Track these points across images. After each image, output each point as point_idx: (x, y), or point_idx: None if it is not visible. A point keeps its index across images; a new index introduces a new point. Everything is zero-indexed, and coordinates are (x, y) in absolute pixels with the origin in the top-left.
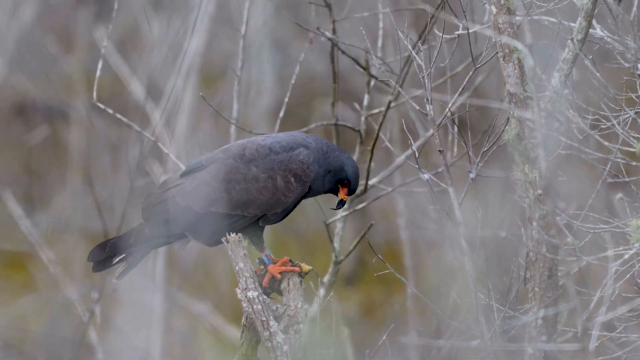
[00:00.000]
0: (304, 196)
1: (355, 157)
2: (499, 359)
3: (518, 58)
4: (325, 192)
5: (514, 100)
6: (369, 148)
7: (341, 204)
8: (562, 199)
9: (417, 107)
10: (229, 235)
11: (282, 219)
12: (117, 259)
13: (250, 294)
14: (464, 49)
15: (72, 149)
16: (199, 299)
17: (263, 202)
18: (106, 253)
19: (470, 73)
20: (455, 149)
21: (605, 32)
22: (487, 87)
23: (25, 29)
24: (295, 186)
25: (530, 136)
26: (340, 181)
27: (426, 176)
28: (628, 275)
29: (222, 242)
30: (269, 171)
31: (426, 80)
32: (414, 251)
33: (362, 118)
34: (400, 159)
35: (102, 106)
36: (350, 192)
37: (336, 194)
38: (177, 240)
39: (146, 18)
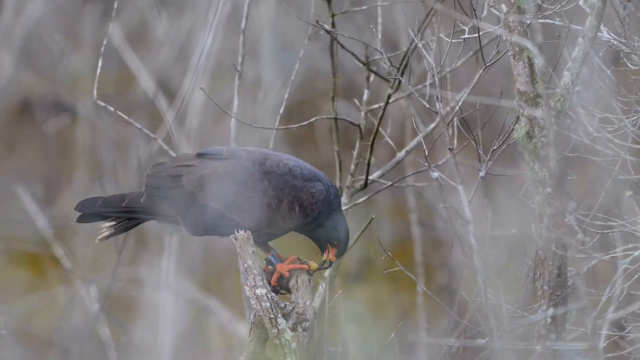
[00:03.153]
0: (298, 229)
1: (355, 152)
2: (508, 358)
3: (528, 57)
4: (312, 239)
5: (524, 99)
6: (369, 143)
7: (328, 264)
8: (572, 198)
9: (427, 105)
10: (238, 232)
11: (270, 240)
12: (107, 224)
13: (258, 291)
14: (466, 43)
15: (79, 146)
16: (206, 295)
17: (261, 218)
18: (96, 208)
19: (481, 71)
20: (456, 144)
21: (612, 34)
22: (487, 79)
23: (32, 27)
24: (297, 215)
25: (540, 135)
26: (330, 241)
27: (436, 174)
28: (638, 275)
29: (205, 235)
30: (278, 191)
31: (436, 79)
32: (421, 249)
33: (362, 113)
34: (400, 154)
35: (102, 104)
36: (339, 254)
37: (322, 250)
38: (167, 221)
39: (158, 13)
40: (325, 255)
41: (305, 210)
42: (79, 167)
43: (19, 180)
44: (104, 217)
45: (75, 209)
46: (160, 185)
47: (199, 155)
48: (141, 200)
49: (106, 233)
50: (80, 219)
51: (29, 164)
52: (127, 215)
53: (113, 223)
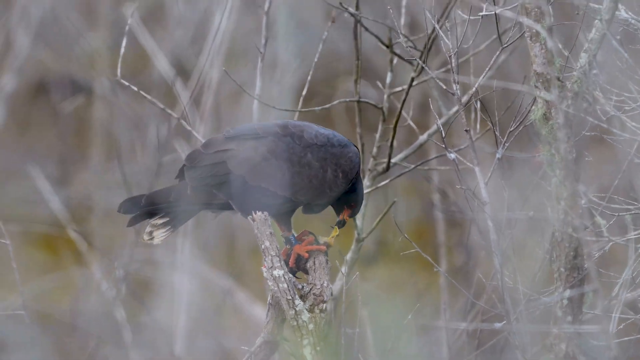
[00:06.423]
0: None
1: (377, 135)
2: (524, 340)
3: (545, 38)
4: (329, 205)
5: (540, 80)
6: (391, 126)
7: (341, 223)
8: (586, 181)
9: (444, 87)
10: (255, 213)
11: (321, 211)
12: (161, 222)
13: (276, 272)
14: (487, 28)
15: (95, 125)
16: (223, 276)
17: (311, 190)
18: (142, 207)
19: (498, 52)
20: (478, 127)
21: (630, 13)
22: (510, 66)
23: (49, 6)
24: (342, 182)
25: (556, 116)
26: (348, 203)
27: (453, 155)
28: None
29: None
30: (322, 161)
31: (452, 60)
32: (439, 230)
33: (385, 96)
34: (423, 137)
35: (126, 83)
36: (353, 214)
37: (338, 212)
38: (219, 208)
39: None
40: (341, 217)
41: (347, 176)
42: (94, 147)
43: (34, 160)
44: (151, 215)
45: (118, 211)
46: (205, 175)
47: (230, 138)
48: (189, 192)
49: (164, 234)
50: (131, 222)
51: (44, 143)
52: (175, 210)
53: (166, 219)
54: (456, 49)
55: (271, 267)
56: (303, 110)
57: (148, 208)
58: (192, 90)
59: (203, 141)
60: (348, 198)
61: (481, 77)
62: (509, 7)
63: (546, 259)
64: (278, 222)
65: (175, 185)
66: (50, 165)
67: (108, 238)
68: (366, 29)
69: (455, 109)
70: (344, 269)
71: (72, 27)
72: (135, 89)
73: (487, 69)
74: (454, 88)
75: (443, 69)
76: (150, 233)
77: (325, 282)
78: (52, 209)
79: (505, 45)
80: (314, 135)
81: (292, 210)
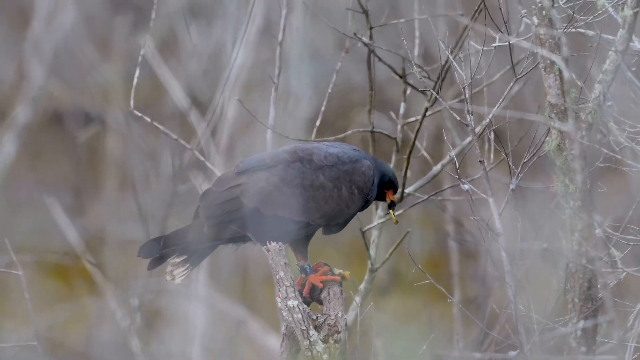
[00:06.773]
0: (361, 208)
1: (391, 166)
2: None
3: (559, 69)
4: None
5: (554, 111)
6: (405, 156)
7: (392, 206)
8: (600, 212)
9: (458, 118)
10: (269, 244)
11: (340, 230)
12: (179, 260)
13: (290, 302)
14: (500, 58)
15: (109, 156)
16: (237, 306)
17: (328, 211)
18: (160, 249)
19: (512, 83)
20: (492, 157)
21: None
22: (524, 96)
23: (62, 37)
24: (358, 198)
25: (570, 147)
26: (384, 185)
27: (466, 186)
28: None
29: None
30: (335, 181)
31: (466, 91)
32: (452, 261)
33: (399, 126)
34: (436, 168)
35: (139, 114)
36: (395, 192)
37: (383, 199)
38: (237, 241)
39: (186, 25)
40: (388, 200)
41: (362, 191)
42: (108, 177)
43: (48, 190)
44: (170, 255)
45: (138, 255)
46: (220, 213)
47: (240, 173)
48: (206, 230)
49: (185, 272)
50: (151, 265)
51: (58, 174)
52: (194, 248)
53: (184, 257)
54: (470, 80)
55: (286, 297)
56: (317, 140)
57: (167, 249)
58: (209, 121)
59: (218, 174)
60: (382, 183)
61: (495, 108)
62: (523, 38)
63: (560, 290)
64: (294, 250)
65: (191, 225)
66: (64, 195)
67: (122, 268)
68: (379, 59)
69: (469, 139)
70: (357, 299)
71: (86, 58)
72: (149, 120)
73: (501, 99)
74: (468, 119)
75: (457, 99)
76: (172, 272)
77: (340, 312)
78: (66, 239)
79: (520, 76)
80: (323, 157)
81: (309, 235)
